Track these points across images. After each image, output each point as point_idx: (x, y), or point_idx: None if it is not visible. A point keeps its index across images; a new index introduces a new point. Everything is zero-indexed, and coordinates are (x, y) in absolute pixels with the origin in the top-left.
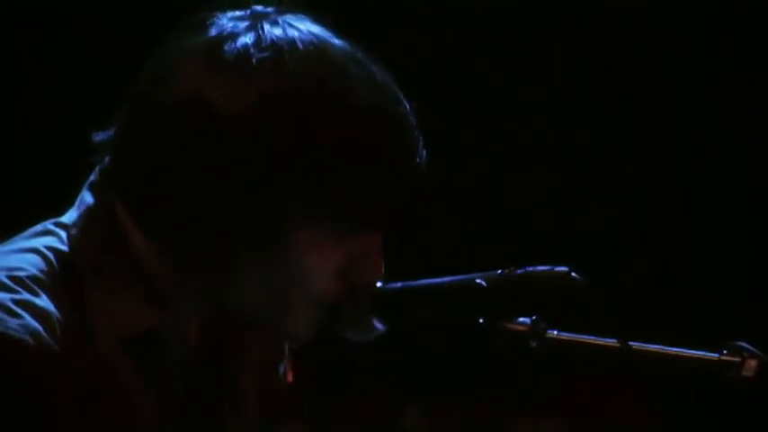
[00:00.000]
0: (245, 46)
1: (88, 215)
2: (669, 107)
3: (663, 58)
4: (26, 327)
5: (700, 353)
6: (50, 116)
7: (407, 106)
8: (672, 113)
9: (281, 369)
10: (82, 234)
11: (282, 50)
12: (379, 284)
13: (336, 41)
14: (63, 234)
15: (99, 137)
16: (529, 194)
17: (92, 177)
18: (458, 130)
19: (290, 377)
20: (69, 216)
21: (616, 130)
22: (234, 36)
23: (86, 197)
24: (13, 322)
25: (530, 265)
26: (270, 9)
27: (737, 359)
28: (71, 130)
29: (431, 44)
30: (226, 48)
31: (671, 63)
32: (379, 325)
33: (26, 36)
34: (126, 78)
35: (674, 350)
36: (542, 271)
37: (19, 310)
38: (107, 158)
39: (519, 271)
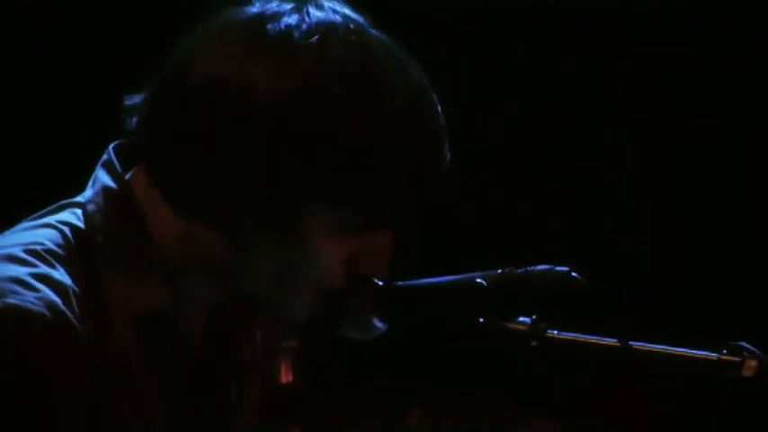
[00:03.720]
0: (289, 27)
1: (104, 192)
2: (670, 107)
3: (663, 59)
4: (44, 299)
5: (700, 353)
6: (54, 107)
7: (438, 106)
8: (672, 112)
9: (278, 367)
10: (98, 210)
11: (326, 36)
12: (379, 283)
13: (377, 34)
14: (78, 211)
15: (129, 103)
16: (529, 194)
17: (105, 156)
18: (459, 131)
19: (289, 377)
20: (84, 195)
21: (616, 128)
22: (278, 15)
23: (101, 175)
24: (30, 295)
25: (530, 265)
26: None
27: (737, 359)
28: (77, 120)
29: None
30: (269, 27)
31: (672, 64)
32: (379, 324)
33: (29, 33)
34: (129, 74)
35: (674, 350)
36: (542, 271)
37: (37, 284)
38: (129, 131)
39: (519, 271)
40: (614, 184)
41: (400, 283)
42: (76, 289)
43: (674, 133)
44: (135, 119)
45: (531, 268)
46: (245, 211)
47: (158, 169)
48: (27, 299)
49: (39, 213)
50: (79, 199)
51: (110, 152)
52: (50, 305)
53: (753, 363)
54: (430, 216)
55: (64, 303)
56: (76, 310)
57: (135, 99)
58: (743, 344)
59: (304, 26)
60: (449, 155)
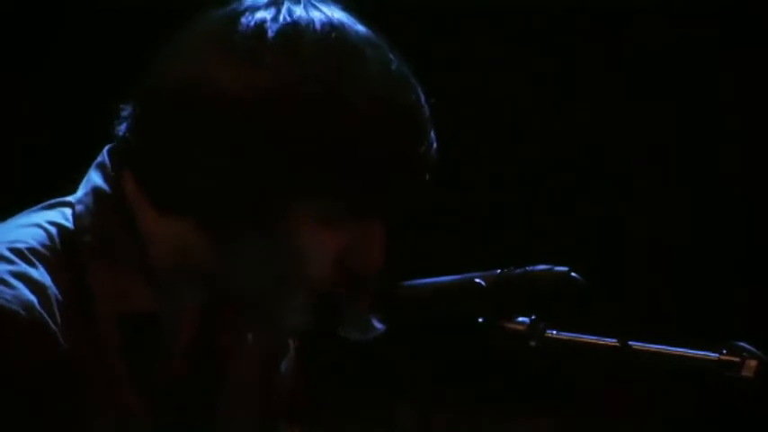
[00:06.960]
0: (262, 24)
1: (95, 193)
2: (670, 104)
3: (662, 57)
4: (19, 298)
5: (700, 353)
6: (51, 109)
7: (422, 97)
8: (672, 109)
9: (283, 367)
10: (87, 211)
11: (298, 34)
12: (377, 284)
13: (357, 27)
14: (67, 211)
15: (114, 113)
16: (529, 194)
17: (99, 158)
18: (458, 128)
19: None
20: (74, 195)
21: (616, 126)
22: (252, 10)
23: (93, 176)
24: (7, 293)
25: (529, 265)
26: None
27: (737, 359)
28: (72, 121)
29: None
30: (240, 27)
31: (670, 62)
32: (378, 324)
33: (29, 32)
34: (124, 73)
35: (674, 350)
36: (542, 271)
37: (14, 281)
38: (119, 135)
39: (518, 271)
40: (614, 184)
41: (399, 283)
42: (56, 289)
43: (674, 133)
44: (122, 125)
45: (531, 268)
46: (229, 208)
47: (143, 171)
48: (4, 296)
49: (27, 211)
50: (69, 199)
51: (104, 154)
52: (25, 304)
53: (752, 363)
54: (429, 216)
55: (40, 303)
56: (55, 310)
57: (126, 107)
58: (743, 344)
59: (276, 25)
60: (433, 143)
